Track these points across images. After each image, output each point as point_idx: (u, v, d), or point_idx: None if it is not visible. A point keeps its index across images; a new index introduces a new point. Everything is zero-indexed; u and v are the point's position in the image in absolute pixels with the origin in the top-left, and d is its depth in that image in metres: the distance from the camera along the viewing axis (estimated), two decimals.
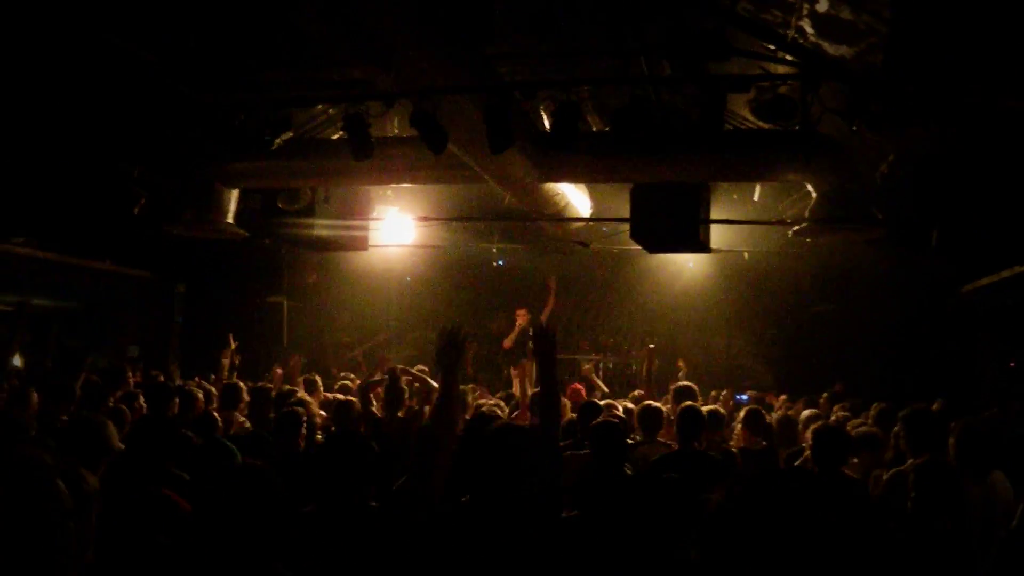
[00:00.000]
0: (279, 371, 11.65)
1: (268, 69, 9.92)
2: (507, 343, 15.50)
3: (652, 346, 11.53)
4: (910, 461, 6.10)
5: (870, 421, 8.55)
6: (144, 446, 5.51)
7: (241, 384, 9.53)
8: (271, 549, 3.32)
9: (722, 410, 9.20)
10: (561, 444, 7.39)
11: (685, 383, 9.82)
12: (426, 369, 10.82)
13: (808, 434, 7.06)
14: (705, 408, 8.26)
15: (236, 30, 9.04)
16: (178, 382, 10.83)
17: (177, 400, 8.54)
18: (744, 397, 11.30)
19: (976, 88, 7.70)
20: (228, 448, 7.08)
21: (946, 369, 13.39)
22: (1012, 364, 14.03)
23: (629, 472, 6.31)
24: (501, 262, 18.54)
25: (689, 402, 8.09)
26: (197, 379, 11.11)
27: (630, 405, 9.69)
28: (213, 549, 3.29)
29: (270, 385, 9.86)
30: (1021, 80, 7.33)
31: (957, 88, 7.75)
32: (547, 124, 10.13)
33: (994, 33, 7.01)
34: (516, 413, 10.00)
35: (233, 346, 11.35)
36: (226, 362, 11.17)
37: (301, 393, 9.46)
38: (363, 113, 9.04)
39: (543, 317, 14.65)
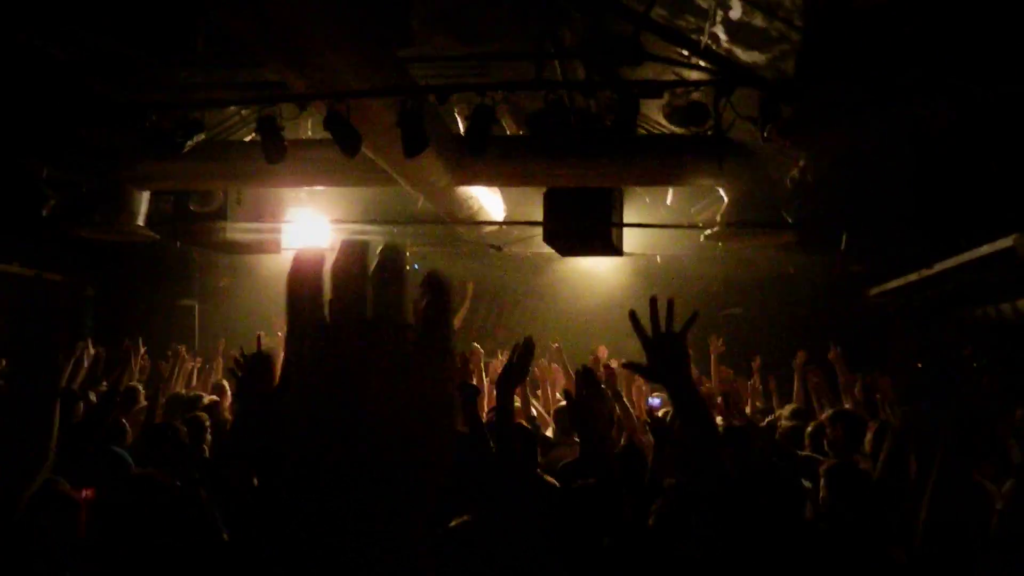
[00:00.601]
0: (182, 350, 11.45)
1: (181, 68, 9.78)
2: None
3: (556, 345, 11.56)
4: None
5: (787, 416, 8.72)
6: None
7: (140, 387, 9.41)
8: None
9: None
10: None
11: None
12: None
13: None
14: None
15: (149, 27, 8.90)
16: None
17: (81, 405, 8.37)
18: (656, 401, 11.27)
19: (882, 95, 7.83)
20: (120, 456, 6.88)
21: (856, 371, 13.60)
22: (919, 365, 14.26)
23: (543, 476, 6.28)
24: (416, 266, 18.48)
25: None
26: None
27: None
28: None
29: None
30: (929, 87, 7.46)
31: (866, 95, 7.87)
32: (462, 127, 10.13)
33: (902, 43, 7.14)
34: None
35: (142, 350, 11.18)
36: (133, 366, 10.98)
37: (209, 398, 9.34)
38: (276, 115, 8.97)
39: (456, 320, 14.66)
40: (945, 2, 6.81)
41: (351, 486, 0.97)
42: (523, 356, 5.25)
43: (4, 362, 9.90)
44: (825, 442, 7.21)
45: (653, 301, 3.51)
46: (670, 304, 3.47)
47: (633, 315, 3.56)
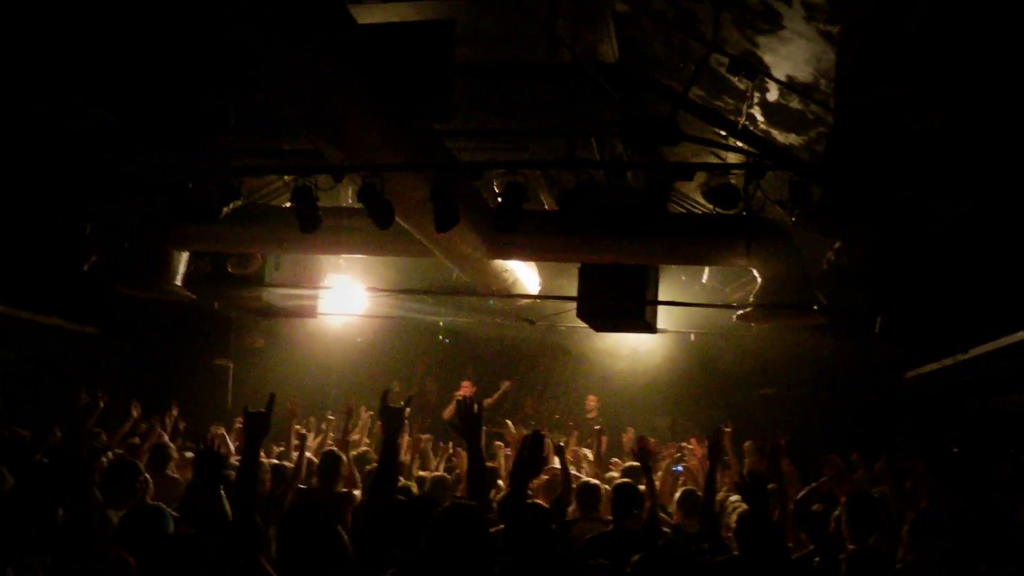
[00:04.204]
0: (221, 431, 11.52)
1: (221, 135, 9.91)
2: (446, 414, 15.62)
3: (599, 427, 11.48)
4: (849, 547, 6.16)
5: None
6: None
7: (169, 444, 9.47)
8: None
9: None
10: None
11: (632, 463, 9.76)
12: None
13: None
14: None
15: (194, 95, 9.04)
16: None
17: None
18: (679, 468, 11.23)
19: (906, 187, 7.84)
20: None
21: (890, 454, 13.46)
22: (955, 449, 14.11)
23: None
24: (447, 340, 18.53)
25: (625, 479, 8.11)
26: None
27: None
28: None
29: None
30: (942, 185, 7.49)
31: (891, 185, 7.88)
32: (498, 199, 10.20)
33: (917, 139, 7.18)
34: (460, 486, 9.93)
35: (175, 411, 11.26)
36: (168, 423, 11.07)
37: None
38: (312, 185, 9.04)
39: (488, 403, 14.86)
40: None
41: None
42: (533, 450, 5.31)
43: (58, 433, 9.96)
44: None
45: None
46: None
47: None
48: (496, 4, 8.51)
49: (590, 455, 11.23)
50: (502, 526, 7.31)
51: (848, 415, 14.36)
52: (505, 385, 17.23)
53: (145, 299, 13.19)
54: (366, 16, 8.08)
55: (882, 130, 7.55)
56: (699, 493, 7.95)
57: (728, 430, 10.14)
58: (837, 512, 7.08)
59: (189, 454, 9.95)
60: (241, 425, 11.31)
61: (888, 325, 11.37)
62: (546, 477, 9.18)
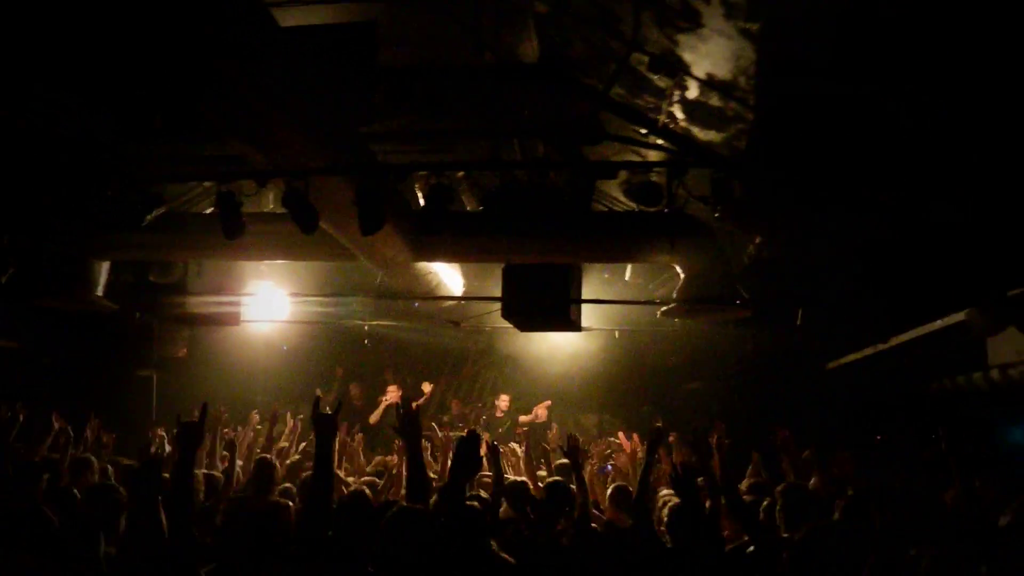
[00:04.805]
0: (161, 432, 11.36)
1: (143, 141, 9.77)
2: (372, 419, 15.64)
3: (526, 429, 11.52)
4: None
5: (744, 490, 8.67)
6: None
7: (92, 458, 9.32)
8: None
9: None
10: None
11: (564, 460, 9.78)
12: None
13: None
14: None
15: (113, 100, 8.90)
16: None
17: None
18: (607, 468, 11.27)
19: (828, 181, 7.96)
20: None
21: (814, 445, 13.66)
22: (879, 439, 14.33)
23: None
24: (368, 344, 18.44)
25: (555, 477, 8.14)
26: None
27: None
28: None
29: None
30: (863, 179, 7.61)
31: (813, 179, 8.00)
32: (422, 202, 10.18)
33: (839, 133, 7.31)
34: (391, 488, 9.87)
35: (96, 423, 11.08)
36: (90, 435, 10.88)
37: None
38: (235, 191, 8.97)
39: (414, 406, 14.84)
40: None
41: None
42: (469, 451, 5.31)
43: None
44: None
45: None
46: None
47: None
48: (417, 6, 8.50)
49: (519, 450, 11.21)
50: None
51: (774, 406, 14.53)
52: (428, 388, 17.19)
53: (65, 311, 12.99)
54: (288, 18, 8.02)
55: (802, 125, 7.66)
56: (630, 488, 7.98)
57: (659, 425, 10.22)
58: (767, 502, 7.16)
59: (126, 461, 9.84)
60: (164, 435, 11.25)
61: (809, 317, 11.55)
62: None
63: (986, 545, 5.06)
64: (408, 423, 5.65)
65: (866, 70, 6.88)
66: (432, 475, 8.56)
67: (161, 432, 11.42)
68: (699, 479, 6.66)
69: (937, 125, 7.07)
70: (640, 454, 9.58)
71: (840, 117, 7.34)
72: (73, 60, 7.35)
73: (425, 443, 10.50)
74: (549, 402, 16.46)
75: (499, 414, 16.69)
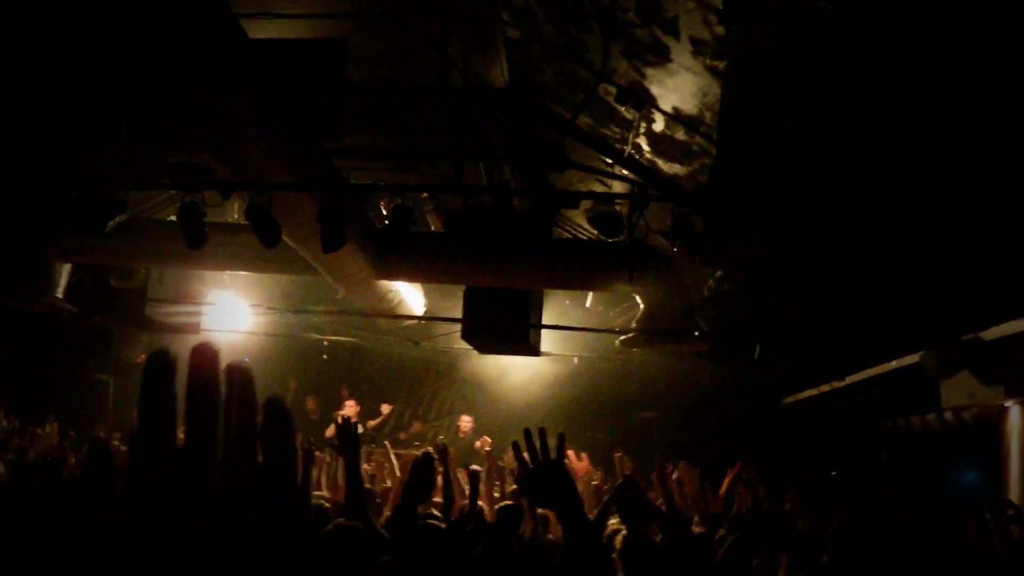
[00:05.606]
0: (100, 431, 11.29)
1: (109, 146, 9.72)
2: (329, 432, 15.60)
3: (488, 450, 11.51)
4: None
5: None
6: None
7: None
8: None
9: None
10: None
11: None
12: None
13: None
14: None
15: (75, 105, 8.84)
16: None
17: None
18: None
19: (785, 218, 8.04)
20: None
21: (768, 478, 13.71)
22: (833, 474, 14.40)
23: None
24: (326, 358, 18.39)
25: (508, 501, 8.15)
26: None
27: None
28: None
29: None
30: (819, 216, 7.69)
31: (771, 215, 8.07)
32: (387, 220, 10.19)
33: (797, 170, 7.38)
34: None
35: (53, 426, 11.01)
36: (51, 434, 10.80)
37: None
38: (199, 202, 8.94)
39: (371, 425, 14.99)
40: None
41: None
42: (423, 472, 5.32)
43: None
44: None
45: (527, 433, 3.57)
46: (542, 433, 3.52)
47: (515, 446, 3.62)
48: (389, 25, 8.53)
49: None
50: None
51: (727, 438, 14.59)
52: (386, 410, 17.15)
53: (23, 311, 12.90)
54: (258, 31, 8.04)
55: (762, 162, 7.73)
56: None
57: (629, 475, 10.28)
58: (720, 534, 7.19)
59: None
60: (119, 443, 11.16)
61: (766, 352, 11.62)
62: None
63: None
64: (345, 439, 5.64)
65: (828, 108, 6.97)
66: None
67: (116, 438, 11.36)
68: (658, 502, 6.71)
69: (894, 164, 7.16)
70: (594, 480, 9.62)
71: (799, 152, 7.42)
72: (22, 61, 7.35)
73: (394, 459, 10.54)
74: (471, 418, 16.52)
75: (461, 434, 16.69)
